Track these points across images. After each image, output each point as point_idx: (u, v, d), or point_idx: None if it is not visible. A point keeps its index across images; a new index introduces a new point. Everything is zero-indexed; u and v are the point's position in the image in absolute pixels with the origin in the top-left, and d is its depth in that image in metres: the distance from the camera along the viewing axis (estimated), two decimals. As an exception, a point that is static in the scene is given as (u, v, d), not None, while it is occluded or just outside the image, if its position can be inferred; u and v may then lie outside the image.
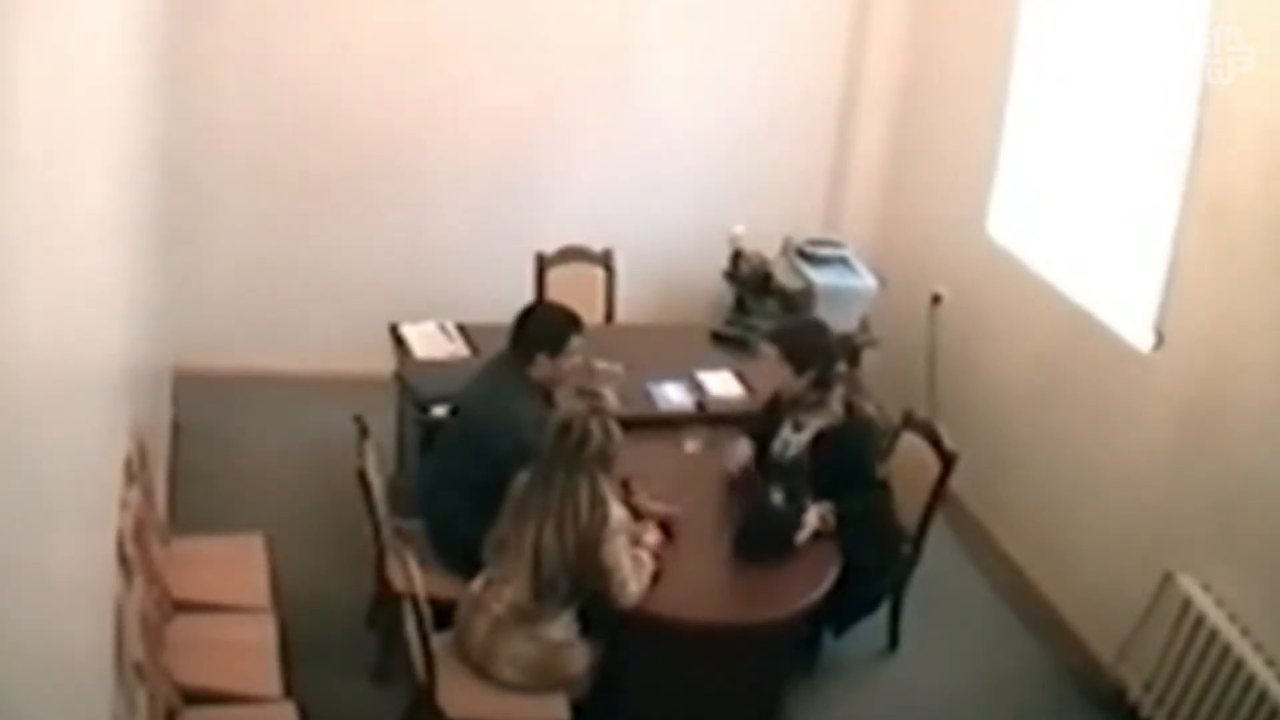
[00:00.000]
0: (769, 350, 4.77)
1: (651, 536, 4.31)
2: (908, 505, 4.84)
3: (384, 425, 5.18)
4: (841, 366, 4.73)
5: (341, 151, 6.19)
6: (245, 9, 5.94)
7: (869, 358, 6.13)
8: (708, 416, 5.15)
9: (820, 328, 4.95)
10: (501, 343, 4.68)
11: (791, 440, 4.68)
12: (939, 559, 5.23)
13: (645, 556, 4.19)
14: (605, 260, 6.13)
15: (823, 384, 4.64)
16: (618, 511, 4.10)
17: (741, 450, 4.79)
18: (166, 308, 5.41)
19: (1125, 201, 4.98)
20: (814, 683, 4.78)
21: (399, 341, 5.41)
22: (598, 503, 4.02)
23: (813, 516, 4.48)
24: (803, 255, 6.13)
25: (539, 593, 4.02)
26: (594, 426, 4.04)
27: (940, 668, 5.00)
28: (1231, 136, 4.37)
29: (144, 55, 4.48)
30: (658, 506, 4.48)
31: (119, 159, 3.85)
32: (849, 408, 4.66)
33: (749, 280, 6.19)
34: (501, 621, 4.05)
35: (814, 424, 4.63)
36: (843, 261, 6.15)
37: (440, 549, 4.49)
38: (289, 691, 3.89)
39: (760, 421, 4.82)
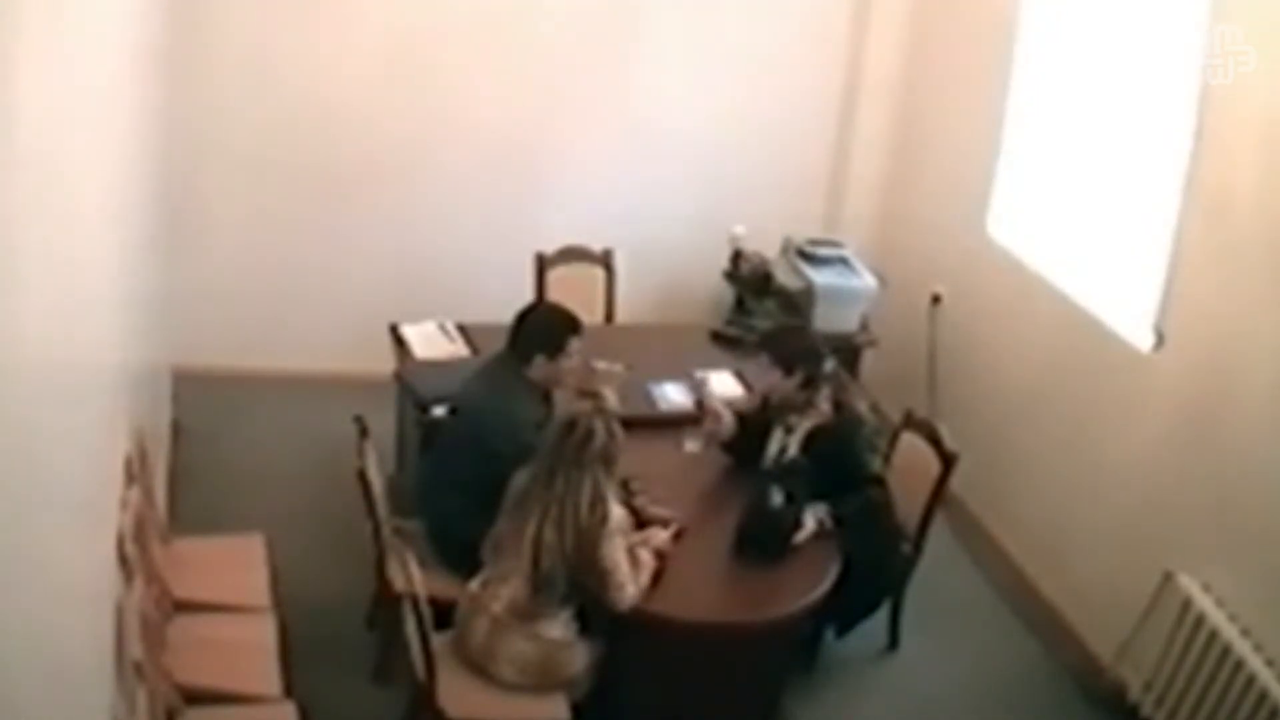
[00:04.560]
0: (759, 358, 4.81)
1: (663, 536, 4.30)
2: (908, 505, 4.84)
3: (384, 425, 5.18)
4: (829, 366, 4.73)
5: (342, 152, 6.20)
6: (246, 9, 5.95)
7: (869, 358, 6.13)
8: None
9: (803, 330, 4.99)
10: (501, 343, 4.68)
11: (785, 443, 4.68)
12: (939, 559, 5.23)
13: (646, 556, 4.18)
14: (605, 260, 6.13)
15: (810, 384, 4.66)
16: (617, 512, 4.10)
17: (727, 421, 4.78)
18: (166, 308, 5.41)
19: (1125, 201, 4.97)
20: (814, 683, 4.78)
21: (399, 341, 5.41)
22: (598, 502, 4.02)
23: (811, 520, 4.48)
24: (803, 255, 6.13)
25: (537, 588, 4.02)
26: (598, 425, 4.04)
27: (940, 668, 5.00)
28: (1232, 136, 4.37)
29: (145, 54, 4.48)
30: (659, 511, 4.48)
31: (119, 158, 3.85)
32: (838, 406, 4.67)
33: (749, 280, 6.19)
34: (501, 621, 4.05)
35: (804, 425, 4.64)
36: (843, 261, 6.15)
37: (440, 549, 4.49)
38: (289, 691, 3.89)
39: (744, 431, 4.81)
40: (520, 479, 4.13)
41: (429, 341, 5.43)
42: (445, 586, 4.21)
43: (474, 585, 4.15)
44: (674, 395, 5.26)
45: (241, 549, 4.47)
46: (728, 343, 5.79)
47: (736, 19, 6.39)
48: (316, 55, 6.05)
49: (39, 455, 2.42)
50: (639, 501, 4.47)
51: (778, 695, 4.53)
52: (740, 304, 6.19)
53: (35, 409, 2.39)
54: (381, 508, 4.38)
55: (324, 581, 4.94)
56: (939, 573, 5.22)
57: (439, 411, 4.84)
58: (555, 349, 4.55)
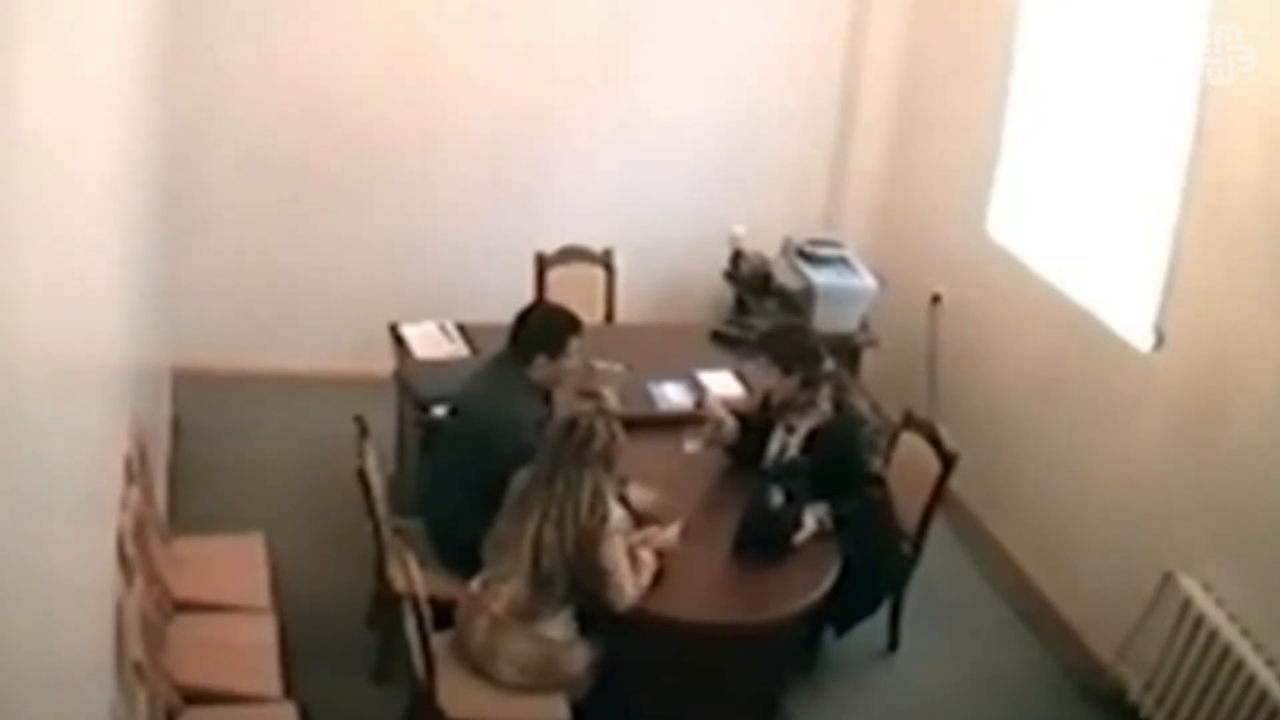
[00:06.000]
0: (759, 358, 4.81)
1: (665, 535, 4.30)
2: (908, 505, 4.84)
3: (384, 425, 5.18)
4: (829, 365, 4.73)
5: (342, 151, 6.20)
6: (249, 7, 5.94)
7: (869, 358, 6.13)
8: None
9: (803, 329, 4.99)
10: (501, 343, 4.68)
11: (785, 443, 4.68)
12: (939, 559, 5.23)
13: (647, 556, 4.18)
14: (605, 260, 6.13)
15: (811, 384, 4.65)
16: (617, 512, 4.10)
17: (730, 428, 4.77)
18: (166, 306, 5.41)
19: (1125, 201, 4.97)
20: (814, 683, 4.78)
21: (399, 341, 5.41)
22: (598, 502, 4.02)
23: (811, 520, 4.48)
24: (803, 255, 6.12)
25: (538, 585, 4.02)
26: (599, 426, 4.05)
27: (940, 668, 5.00)
28: (1231, 136, 4.37)
29: (145, 51, 4.47)
30: (646, 495, 4.44)
31: (119, 157, 3.85)
32: (839, 405, 4.67)
33: (749, 280, 6.20)
34: (501, 621, 4.05)
35: (805, 424, 4.64)
36: (843, 261, 6.15)
37: (440, 549, 4.49)
38: (289, 691, 3.89)
39: (745, 432, 4.80)
40: (520, 479, 4.13)
41: (429, 341, 5.42)
42: (445, 586, 4.21)
43: (474, 585, 4.15)
44: (674, 395, 5.25)
45: (241, 549, 4.46)
46: (728, 343, 5.78)
47: (736, 19, 6.39)
48: (318, 54, 6.05)
49: (39, 454, 2.42)
50: (633, 494, 4.43)
51: (778, 695, 4.53)
52: (740, 304, 6.19)
53: (35, 407, 2.39)
54: (381, 508, 4.38)
55: (324, 581, 4.94)
56: (939, 573, 5.22)
57: (439, 411, 4.84)
58: (556, 349, 4.55)
